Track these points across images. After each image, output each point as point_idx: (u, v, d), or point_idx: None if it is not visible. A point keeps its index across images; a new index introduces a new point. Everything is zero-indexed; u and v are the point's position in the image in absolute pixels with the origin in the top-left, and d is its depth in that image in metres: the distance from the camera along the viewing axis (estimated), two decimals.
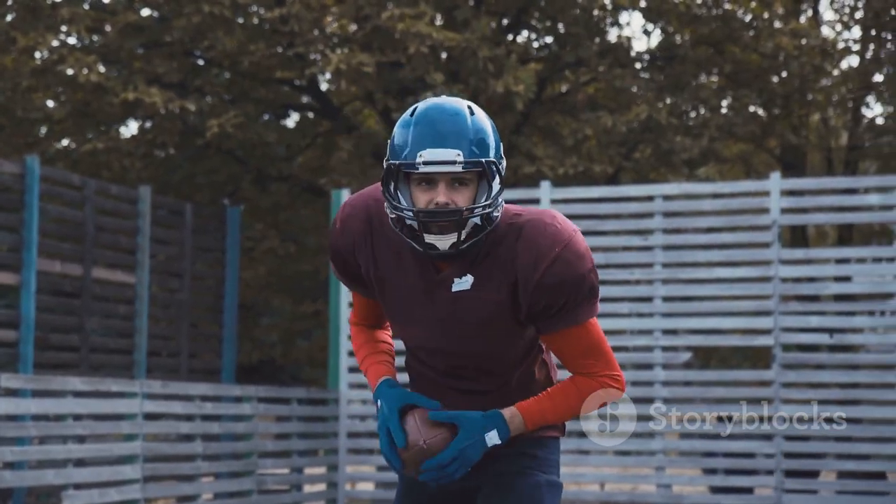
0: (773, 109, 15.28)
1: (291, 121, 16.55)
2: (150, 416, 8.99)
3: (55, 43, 13.35)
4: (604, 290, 9.99)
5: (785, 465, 9.42)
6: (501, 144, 2.92)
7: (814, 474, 10.54)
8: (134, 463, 8.58)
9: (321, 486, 10.83)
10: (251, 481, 9.73)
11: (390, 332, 3.25)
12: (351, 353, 10.57)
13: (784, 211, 9.78)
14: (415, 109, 2.89)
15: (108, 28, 13.46)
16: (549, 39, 14.69)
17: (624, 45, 13.98)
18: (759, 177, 17.23)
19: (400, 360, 3.27)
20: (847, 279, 10.38)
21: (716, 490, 10.78)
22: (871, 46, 15.86)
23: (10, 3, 13.63)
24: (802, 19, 15.82)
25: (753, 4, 13.86)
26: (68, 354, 11.09)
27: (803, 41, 13.71)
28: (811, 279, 10.40)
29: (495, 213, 2.87)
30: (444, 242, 2.83)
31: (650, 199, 10.03)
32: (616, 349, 10.08)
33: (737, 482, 9.73)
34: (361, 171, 13.55)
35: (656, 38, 15.24)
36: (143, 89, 12.57)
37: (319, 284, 15.11)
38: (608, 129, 13.10)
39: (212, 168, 15.12)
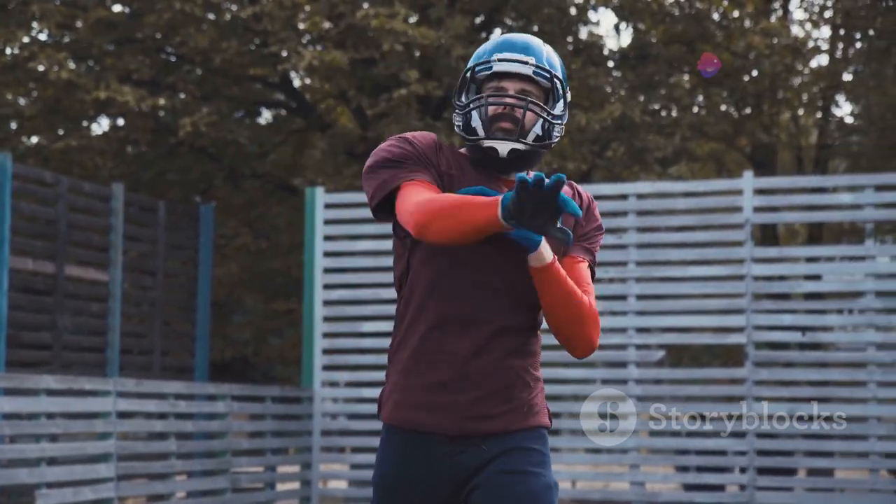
0: (744, 108, 15.37)
1: (264, 118, 16.51)
2: (123, 415, 8.96)
3: (26, 39, 13.28)
4: None
5: (758, 462, 9.48)
6: (568, 83, 3.09)
7: (789, 472, 10.61)
8: (107, 461, 8.54)
9: (295, 485, 10.82)
10: (225, 479, 9.71)
11: None
12: (325, 352, 10.57)
13: (757, 209, 9.84)
14: None
15: (79, 24, 13.39)
16: None
17: (597, 44, 14.02)
18: (730, 175, 17.33)
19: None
20: (818, 277, 10.45)
21: (689, 487, 10.84)
22: (841, 45, 15.97)
23: None
24: (773, 18, 15.90)
25: (725, 3, 13.92)
26: (40, 352, 11.03)
27: (775, 40, 13.79)
28: (783, 277, 10.48)
29: (556, 133, 3.03)
30: (504, 146, 2.96)
31: (624, 197, 10.07)
32: None
33: (709, 480, 9.79)
34: (335, 170, 13.53)
35: (628, 36, 15.29)
36: (116, 87, 12.51)
37: (292, 282, 15.10)
38: (582, 127, 13.14)
39: (184, 165, 15.07)
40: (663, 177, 15.79)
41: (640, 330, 9.91)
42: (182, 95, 14.23)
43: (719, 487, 10.28)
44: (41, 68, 12.81)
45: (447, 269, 3.00)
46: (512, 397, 3.01)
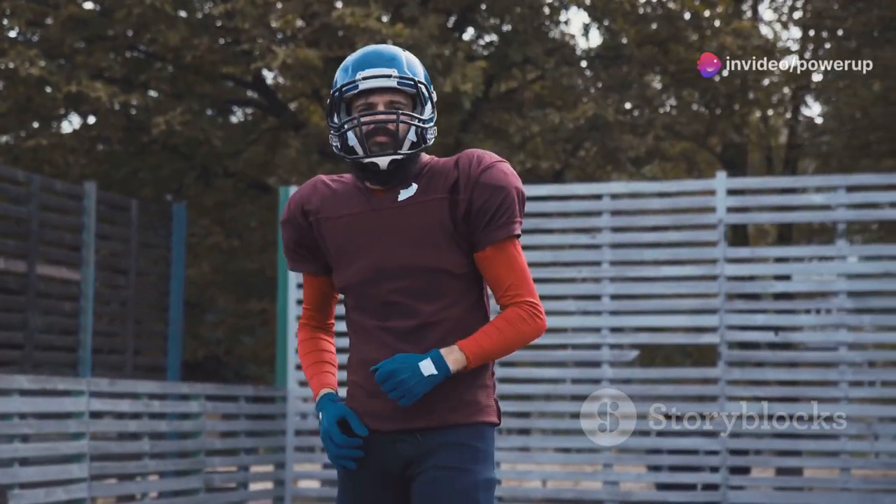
0: (715, 109, 15.44)
1: (237, 117, 16.45)
2: (96, 415, 8.91)
3: None
4: (551, 289, 10.05)
5: (730, 461, 9.53)
6: (432, 85, 3.25)
7: (747, 471, 10.67)
8: (80, 462, 8.51)
9: (268, 484, 10.80)
10: (198, 479, 9.68)
11: (332, 340, 3.49)
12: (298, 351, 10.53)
13: (730, 210, 9.88)
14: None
15: (49, 21, 13.31)
16: (494, 37, 14.73)
17: (570, 44, 14.05)
18: (701, 175, 17.41)
19: (342, 339, 3.28)
20: (788, 278, 10.51)
21: (661, 487, 10.88)
22: (811, 46, 16.07)
23: None
24: (744, 19, 15.98)
25: (697, 3, 13.98)
26: (12, 352, 10.96)
27: (746, 41, 13.85)
28: (756, 277, 10.53)
29: (429, 135, 3.17)
30: (384, 160, 3.10)
31: (597, 197, 10.09)
32: (563, 347, 10.15)
33: (682, 479, 9.83)
34: (308, 168, 13.50)
35: (599, 36, 15.33)
36: (88, 83, 12.44)
37: (265, 282, 15.06)
38: (555, 126, 13.16)
39: (156, 164, 15.00)
40: (636, 177, 15.84)
41: (614, 330, 9.94)
42: (154, 94, 14.16)
43: (692, 486, 10.33)
44: (11, 65, 12.72)
45: (358, 308, 3.25)
46: (448, 394, 3.14)
